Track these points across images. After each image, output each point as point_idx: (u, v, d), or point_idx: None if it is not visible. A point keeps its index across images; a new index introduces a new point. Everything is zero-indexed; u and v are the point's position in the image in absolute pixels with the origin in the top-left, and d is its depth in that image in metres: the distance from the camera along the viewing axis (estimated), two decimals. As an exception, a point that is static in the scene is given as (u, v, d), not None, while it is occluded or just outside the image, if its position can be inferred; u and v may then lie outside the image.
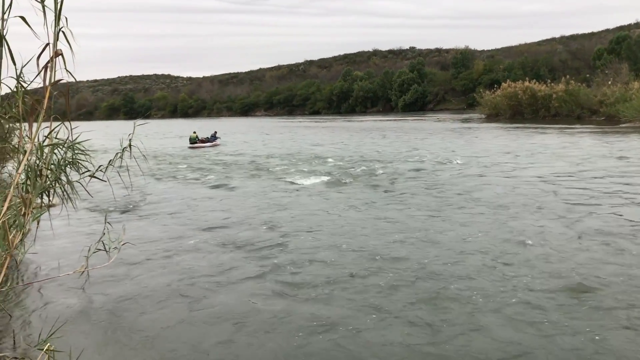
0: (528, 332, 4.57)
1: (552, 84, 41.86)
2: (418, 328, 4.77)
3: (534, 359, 4.15)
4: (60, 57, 3.98)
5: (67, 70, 3.99)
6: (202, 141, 29.70)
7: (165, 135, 41.76)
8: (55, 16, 3.92)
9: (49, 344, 3.23)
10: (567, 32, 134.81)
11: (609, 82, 36.47)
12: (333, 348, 4.48)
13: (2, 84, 3.70)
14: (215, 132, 32.36)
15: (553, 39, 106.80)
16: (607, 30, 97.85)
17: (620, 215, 8.54)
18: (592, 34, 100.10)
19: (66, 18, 3.98)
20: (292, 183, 13.80)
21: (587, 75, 45.60)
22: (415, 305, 5.25)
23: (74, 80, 4.12)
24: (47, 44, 3.87)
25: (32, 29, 3.74)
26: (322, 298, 5.55)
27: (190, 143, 29.37)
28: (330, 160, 18.98)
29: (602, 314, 4.87)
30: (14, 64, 3.58)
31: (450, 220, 8.78)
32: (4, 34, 3.46)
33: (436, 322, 4.86)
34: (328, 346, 4.51)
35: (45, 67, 3.90)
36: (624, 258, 6.41)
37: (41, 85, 4.01)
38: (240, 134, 41.16)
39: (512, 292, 5.47)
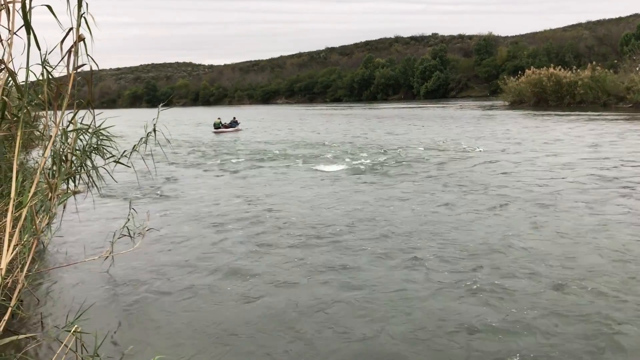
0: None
1: (578, 70, 40.99)
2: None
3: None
4: (83, 42, 4.00)
5: (88, 55, 4.01)
6: (226, 126, 31.96)
7: (184, 123, 42.11)
8: (78, 2, 3.93)
9: (76, 325, 3.29)
10: (594, 17, 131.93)
11: (637, 69, 35.61)
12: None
13: (29, 72, 3.74)
14: (234, 117, 34.39)
15: (579, 25, 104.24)
16: (636, 15, 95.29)
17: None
18: (620, 19, 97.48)
19: (87, 4, 4.00)
20: (311, 170, 13.80)
21: (615, 61, 44.50)
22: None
23: (96, 67, 4.15)
24: (71, 29, 3.90)
25: (57, 18, 3.77)
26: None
27: (215, 128, 31.67)
28: (348, 147, 18.94)
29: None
30: (39, 49, 3.61)
31: (456, 206, 8.71)
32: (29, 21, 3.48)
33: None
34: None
35: (69, 51, 3.94)
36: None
37: (65, 73, 4.05)
38: (261, 122, 41.30)
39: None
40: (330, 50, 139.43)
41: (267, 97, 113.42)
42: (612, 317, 4.56)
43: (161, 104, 5.74)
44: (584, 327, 4.43)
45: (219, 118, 33.26)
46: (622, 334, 4.27)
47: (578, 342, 4.20)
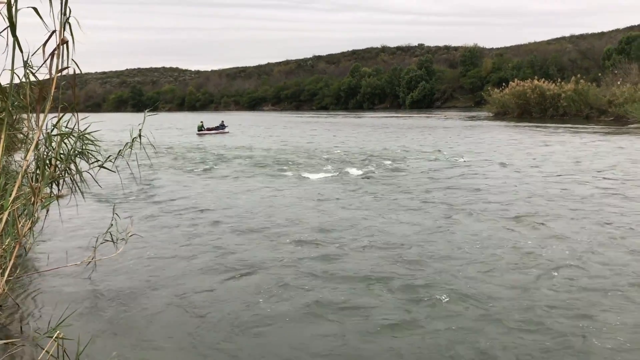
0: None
1: (562, 83, 41.52)
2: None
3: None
4: (66, 46, 3.98)
5: (72, 60, 3.99)
6: (209, 129, 35.15)
7: (169, 127, 41.97)
8: (62, 5, 3.91)
9: (58, 332, 3.25)
10: (577, 32, 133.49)
11: (618, 82, 36.21)
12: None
13: (13, 73, 3.71)
14: (222, 121, 37.42)
15: (563, 38, 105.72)
16: (617, 30, 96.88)
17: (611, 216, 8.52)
18: (602, 34, 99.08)
19: (70, 8, 3.98)
20: (295, 176, 13.80)
21: (598, 75, 45.19)
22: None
23: (79, 71, 4.13)
24: (54, 32, 3.88)
25: (42, 19, 3.75)
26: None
27: (198, 130, 34.92)
28: (332, 155, 18.98)
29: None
30: (21, 52, 3.58)
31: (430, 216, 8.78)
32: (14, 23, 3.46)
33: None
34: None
35: (52, 54, 3.91)
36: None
37: (49, 76, 4.02)
38: (246, 127, 41.31)
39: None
40: (318, 59, 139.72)
41: (253, 104, 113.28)
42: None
43: (147, 110, 5.71)
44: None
45: (201, 121, 36.59)
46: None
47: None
